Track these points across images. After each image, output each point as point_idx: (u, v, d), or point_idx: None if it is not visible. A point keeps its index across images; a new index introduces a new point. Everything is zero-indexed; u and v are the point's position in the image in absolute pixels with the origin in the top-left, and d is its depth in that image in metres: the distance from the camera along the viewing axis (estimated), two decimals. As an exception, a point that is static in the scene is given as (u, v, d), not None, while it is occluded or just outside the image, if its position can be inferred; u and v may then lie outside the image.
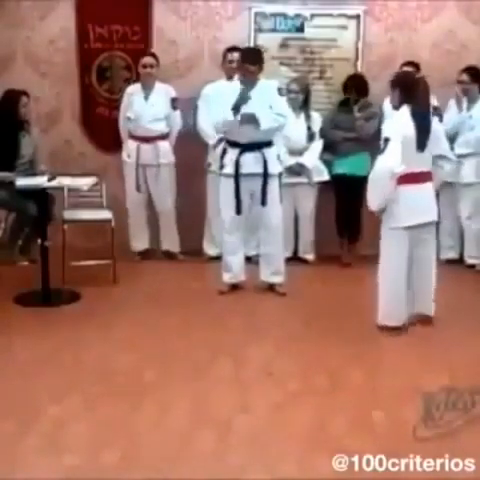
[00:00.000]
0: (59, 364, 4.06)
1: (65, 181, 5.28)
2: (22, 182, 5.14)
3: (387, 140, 4.38)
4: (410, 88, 4.44)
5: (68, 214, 5.64)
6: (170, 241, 6.21)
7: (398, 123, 4.43)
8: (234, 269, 5.38)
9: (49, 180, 5.15)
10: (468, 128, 5.90)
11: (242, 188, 5.17)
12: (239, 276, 5.41)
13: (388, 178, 4.40)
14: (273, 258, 5.32)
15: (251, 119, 5.00)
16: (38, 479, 2.93)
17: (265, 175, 5.13)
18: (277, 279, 5.37)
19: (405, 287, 4.57)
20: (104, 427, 3.35)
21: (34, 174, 5.42)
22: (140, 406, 3.57)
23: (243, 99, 5.01)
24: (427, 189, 4.54)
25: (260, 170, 5.11)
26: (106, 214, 5.70)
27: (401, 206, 4.45)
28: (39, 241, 5.19)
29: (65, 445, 3.18)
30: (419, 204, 4.49)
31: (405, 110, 4.42)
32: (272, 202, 5.19)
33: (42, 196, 5.21)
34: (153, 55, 6.05)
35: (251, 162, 5.11)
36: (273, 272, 5.36)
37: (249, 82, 5.05)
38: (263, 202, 5.18)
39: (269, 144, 5.13)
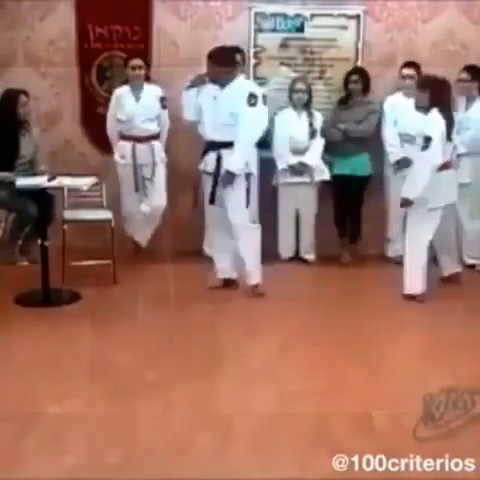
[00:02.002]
0: (59, 364, 4.06)
1: (65, 181, 5.28)
2: (22, 182, 5.14)
3: (429, 139, 4.93)
4: (440, 91, 4.98)
5: (68, 214, 5.64)
6: (145, 237, 6.23)
7: (438, 124, 4.96)
8: (220, 265, 5.42)
9: (49, 180, 5.14)
10: (465, 128, 5.90)
11: (205, 186, 5.29)
12: (227, 272, 5.44)
13: (430, 171, 4.97)
14: (243, 260, 5.34)
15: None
16: (38, 479, 2.93)
17: (216, 175, 5.15)
18: (251, 281, 5.37)
19: (426, 261, 5.20)
20: (104, 427, 3.35)
21: (34, 174, 5.41)
22: (140, 406, 3.57)
23: (199, 78, 5.18)
24: (451, 175, 5.17)
25: (218, 169, 5.16)
26: (106, 214, 5.70)
27: (431, 190, 4.99)
28: (39, 241, 5.19)
29: (65, 445, 3.18)
30: (445, 188, 5.07)
31: (435, 111, 4.97)
32: (234, 203, 5.19)
33: (42, 196, 5.21)
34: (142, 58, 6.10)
35: (211, 161, 5.17)
36: (246, 273, 5.37)
37: (218, 81, 5.10)
38: (211, 200, 5.22)
39: (229, 145, 5.08)
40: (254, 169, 5.67)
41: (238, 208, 5.20)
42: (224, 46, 5.34)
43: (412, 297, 5.19)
